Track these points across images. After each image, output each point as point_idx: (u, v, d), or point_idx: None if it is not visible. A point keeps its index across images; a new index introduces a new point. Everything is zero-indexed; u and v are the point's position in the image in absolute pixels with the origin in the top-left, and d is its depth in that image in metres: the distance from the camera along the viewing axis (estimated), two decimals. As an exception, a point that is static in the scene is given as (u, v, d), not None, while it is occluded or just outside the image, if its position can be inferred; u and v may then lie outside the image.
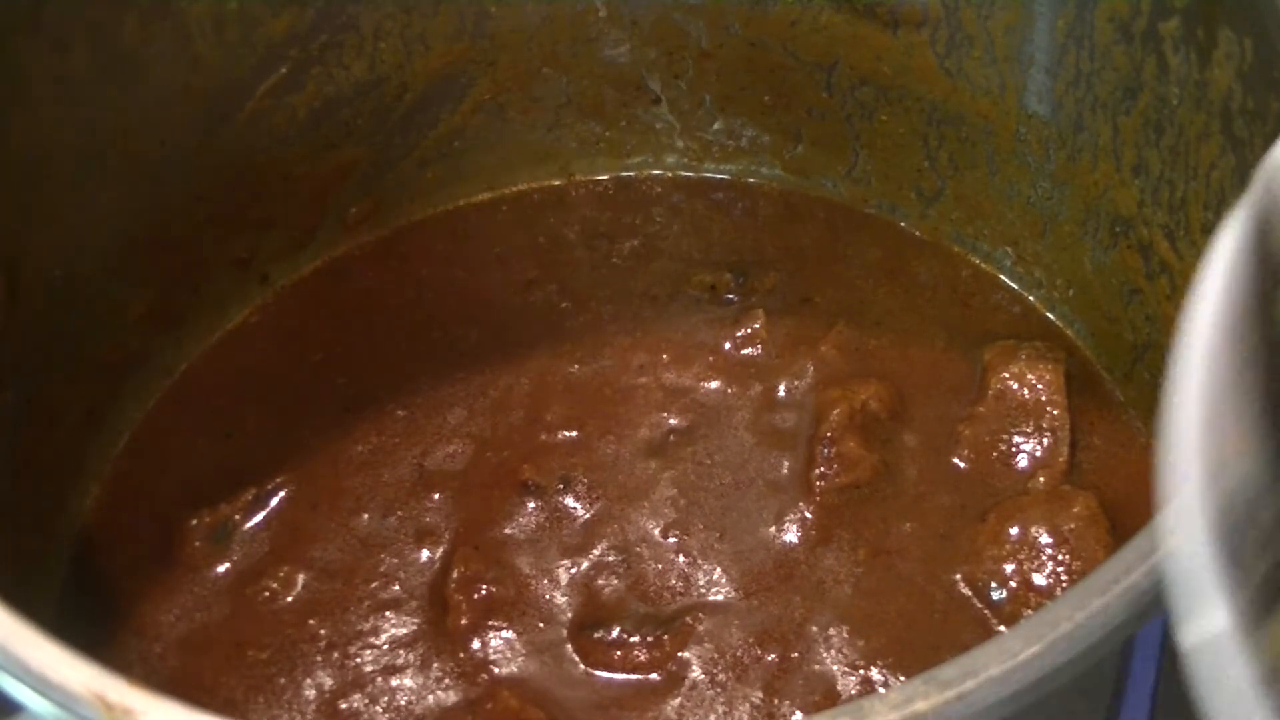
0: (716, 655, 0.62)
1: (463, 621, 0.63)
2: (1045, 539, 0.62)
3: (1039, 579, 0.62)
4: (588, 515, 0.67)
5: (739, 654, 0.62)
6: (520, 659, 0.62)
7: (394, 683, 0.62)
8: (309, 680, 0.62)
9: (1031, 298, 0.74)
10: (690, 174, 0.80)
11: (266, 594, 0.65)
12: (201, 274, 0.73)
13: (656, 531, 0.66)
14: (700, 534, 0.66)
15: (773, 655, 0.62)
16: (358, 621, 0.64)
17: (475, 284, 0.76)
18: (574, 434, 0.69)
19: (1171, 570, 0.31)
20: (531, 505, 0.67)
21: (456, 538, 0.66)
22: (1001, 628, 0.62)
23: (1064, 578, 0.62)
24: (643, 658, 0.62)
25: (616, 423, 0.70)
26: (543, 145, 0.80)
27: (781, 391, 0.70)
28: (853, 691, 0.61)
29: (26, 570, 0.64)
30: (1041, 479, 0.65)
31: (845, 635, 0.62)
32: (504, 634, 0.63)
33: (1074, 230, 0.70)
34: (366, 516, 0.67)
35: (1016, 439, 0.67)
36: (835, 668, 0.61)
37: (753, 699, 0.61)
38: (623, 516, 0.67)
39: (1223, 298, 0.34)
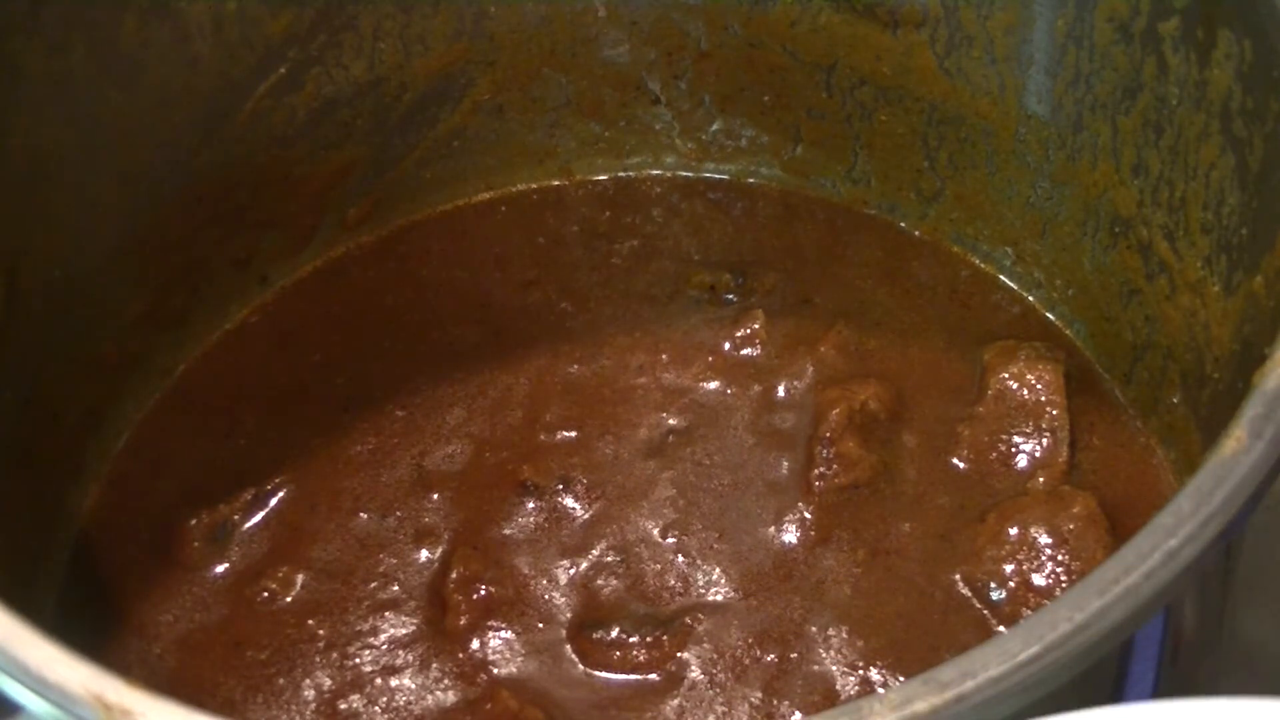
0: (716, 655, 0.62)
1: (462, 621, 0.63)
2: (1045, 539, 0.62)
3: (1038, 579, 0.62)
4: (587, 515, 0.67)
5: (738, 654, 0.62)
6: (519, 659, 0.62)
7: (393, 683, 0.62)
8: (308, 680, 0.62)
9: (1031, 298, 0.74)
10: (689, 174, 0.80)
11: (265, 594, 0.65)
12: (201, 274, 0.73)
13: (655, 532, 0.66)
14: (699, 534, 0.66)
15: (772, 655, 0.62)
16: (357, 622, 0.64)
17: (474, 284, 0.76)
18: (573, 434, 0.69)
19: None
20: (530, 505, 0.67)
21: (455, 538, 0.66)
22: (1001, 628, 0.62)
23: (1063, 578, 0.62)
24: (642, 658, 0.62)
25: (615, 423, 0.70)
26: (542, 145, 0.80)
27: (781, 392, 0.70)
28: (852, 692, 0.61)
29: (26, 570, 0.64)
30: (1041, 479, 0.65)
31: (844, 635, 0.62)
32: (503, 634, 0.63)
33: (1073, 230, 0.70)
34: (365, 517, 0.67)
35: (1016, 439, 0.67)
36: (834, 668, 0.61)
37: (752, 699, 0.61)
38: (622, 517, 0.66)
39: None
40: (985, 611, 0.62)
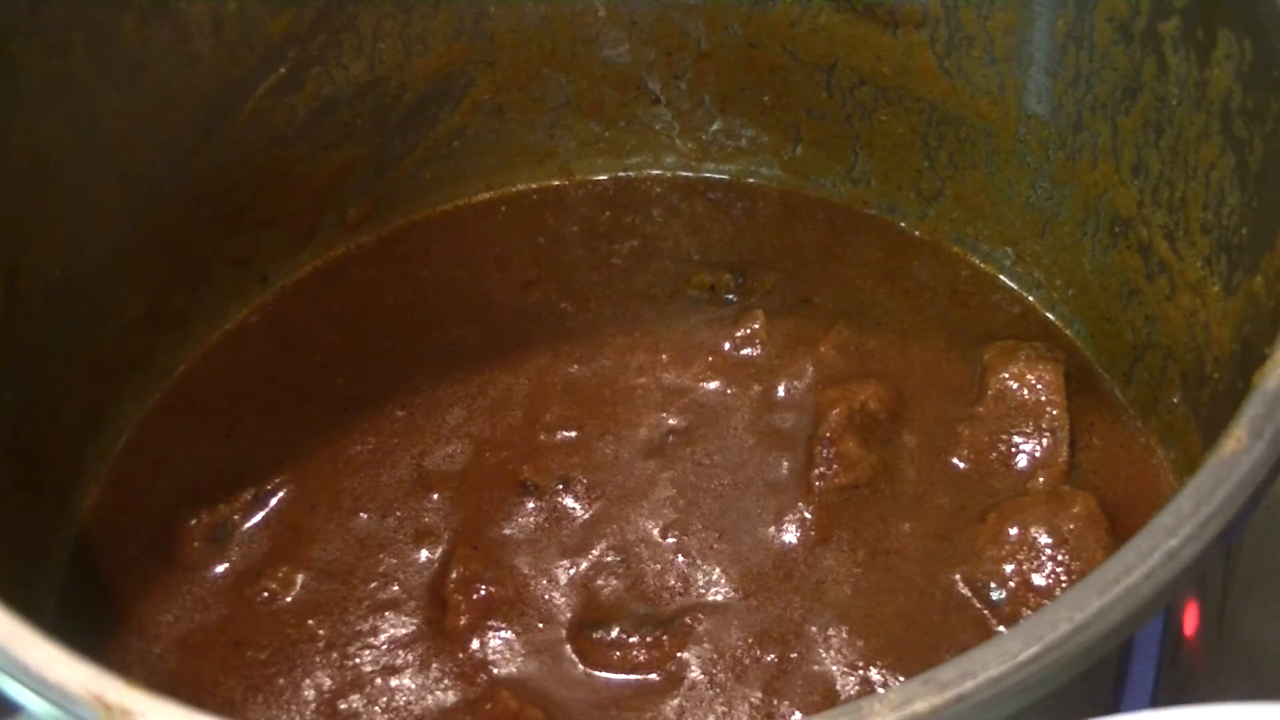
0: (716, 655, 0.62)
1: (462, 621, 0.63)
2: (1045, 539, 0.62)
3: (1038, 579, 0.62)
4: (587, 515, 0.67)
5: (738, 654, 0.62)
6: (519, 659, 0.62)
7: (393, 683, 0.62)
8: (308, 680, 0.62)
9: (1031, 298, 0.74)
10: (689, 174, 0.80)
11: (265, 594, 0.65)
12: (201, 274, 0.73)
13: (655, 532, 0.66)
14: (699, 534, 0.66)
15: (772, 655, 0.62)
16: (357, 622, 0.64)
17: (474, 284, 0.76)
18: (573, 434, 0.69)
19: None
20: (530, 505, 0.67)
21: (455, 538, 0.66)
22: (1001, 628, 0.62)
23: (1063, 578, 0.62)
24: (642, 658, 0.62)
25: (615, 423, 0.70)
26: (542, 145, 0.80)
27: (781, 392, 0.70)
28: (852, 692, 0.61)
29: (26, 570, 0.64)
30: (1041, 479, 0.65)
31: (844, 635, 0.62)
32: (503, 634, 0.63)
33: (1073, 230, 0.70)
34: (365, 517, 0.67)
35: (1016, 439, 0.67)
36: (834, 668, 0.61)
37: (752, 699, 0.61)
38: (622, 517, 0.66)
39: None
40: (985, 611, 0.62)
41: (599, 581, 0.65)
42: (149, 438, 0.71)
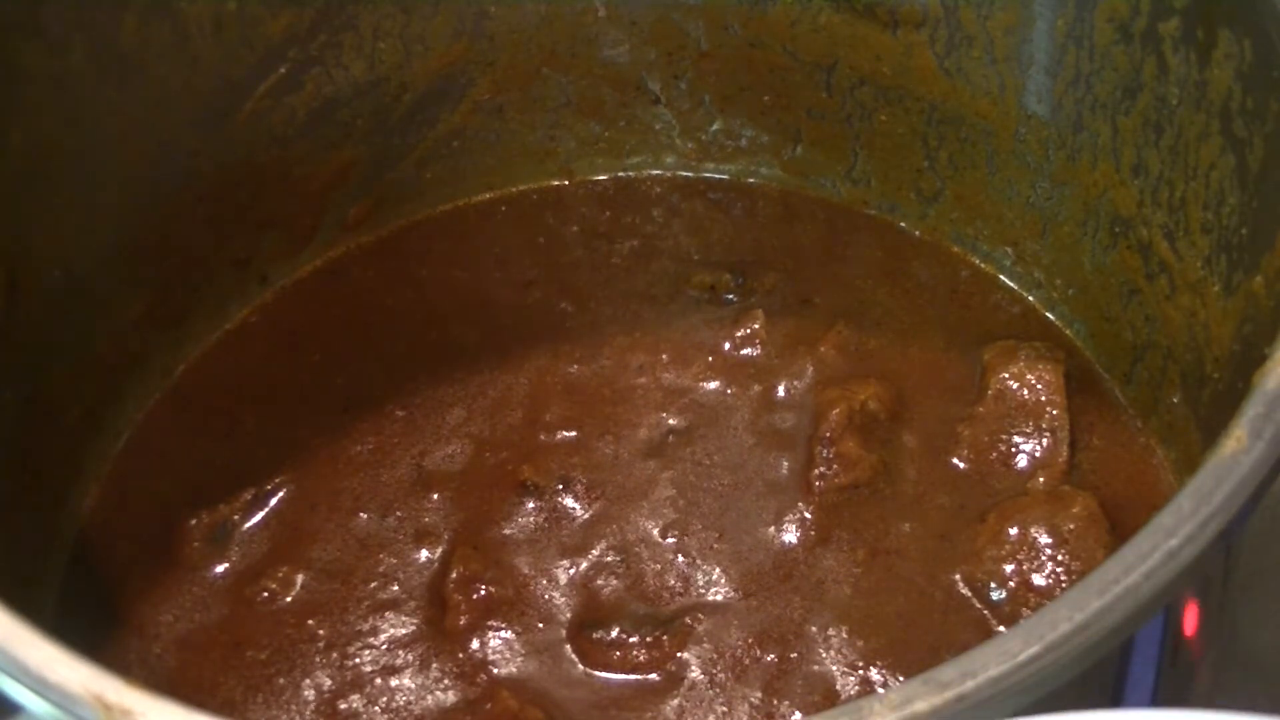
0: (716, 655, 0.62)
1: (462, 621, 0.63)
2: (1045, 539, 0.62)
3: (1038, 579, 0.62)
4: (587, 515, 0.67)
5: (738, 654, 0.62)
6: (519, 659, 0.62)
7: (393, 683, 0.62)
8: (308, 680, 0.62)
9: (1031, 298, 0.74)
10: (689, 174, 0.80)
11: (265, 594, 0.65)
12: (201, 274, 0.73)
13: (655, 532, 0.66)
14: (699, 534, 0.66)
15: (772, 655, 0.62)
16: (356, 622, 0.64)
17: (474, 284, 0.76)
18: (573, 434, 0.69)
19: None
20: (530, 505, 0.67)
21: (455, 538, 0.66)
22: (1001, 628, 0.62)
23: (1063, 578, 0.62)
24: (642, 658, 0.62)
25: (615, 423, 0.70)
26: (542, 145, 0.80)
27: (781, 392, 0.70)
28: (852, 692, 0.61)
29: (26, 570, 0.64)
30: (1041, 479, 0.65)
31: (844, 635, 0.62)
32: (503, 634, 0.63)
33: (1073, 230, 0.70)
34: (365, 516, 0.67)
35: (1016, 439, 0.67)
36: (834, 668, 0.61)
37: (752, 699, 0.61)
38: (622, 517, 0.66)
39: None
40: (985, 611, 0.62)
41: (599, 581, 0.65)
42: (149, 438, 0.71)
